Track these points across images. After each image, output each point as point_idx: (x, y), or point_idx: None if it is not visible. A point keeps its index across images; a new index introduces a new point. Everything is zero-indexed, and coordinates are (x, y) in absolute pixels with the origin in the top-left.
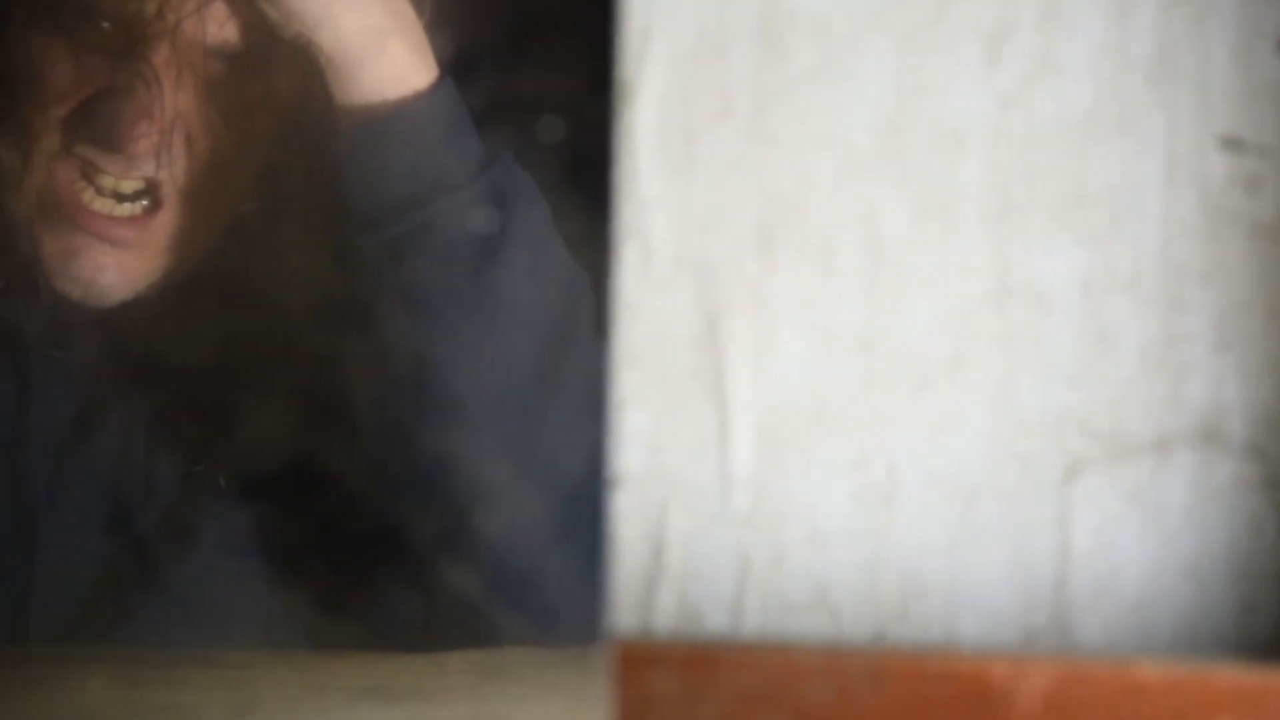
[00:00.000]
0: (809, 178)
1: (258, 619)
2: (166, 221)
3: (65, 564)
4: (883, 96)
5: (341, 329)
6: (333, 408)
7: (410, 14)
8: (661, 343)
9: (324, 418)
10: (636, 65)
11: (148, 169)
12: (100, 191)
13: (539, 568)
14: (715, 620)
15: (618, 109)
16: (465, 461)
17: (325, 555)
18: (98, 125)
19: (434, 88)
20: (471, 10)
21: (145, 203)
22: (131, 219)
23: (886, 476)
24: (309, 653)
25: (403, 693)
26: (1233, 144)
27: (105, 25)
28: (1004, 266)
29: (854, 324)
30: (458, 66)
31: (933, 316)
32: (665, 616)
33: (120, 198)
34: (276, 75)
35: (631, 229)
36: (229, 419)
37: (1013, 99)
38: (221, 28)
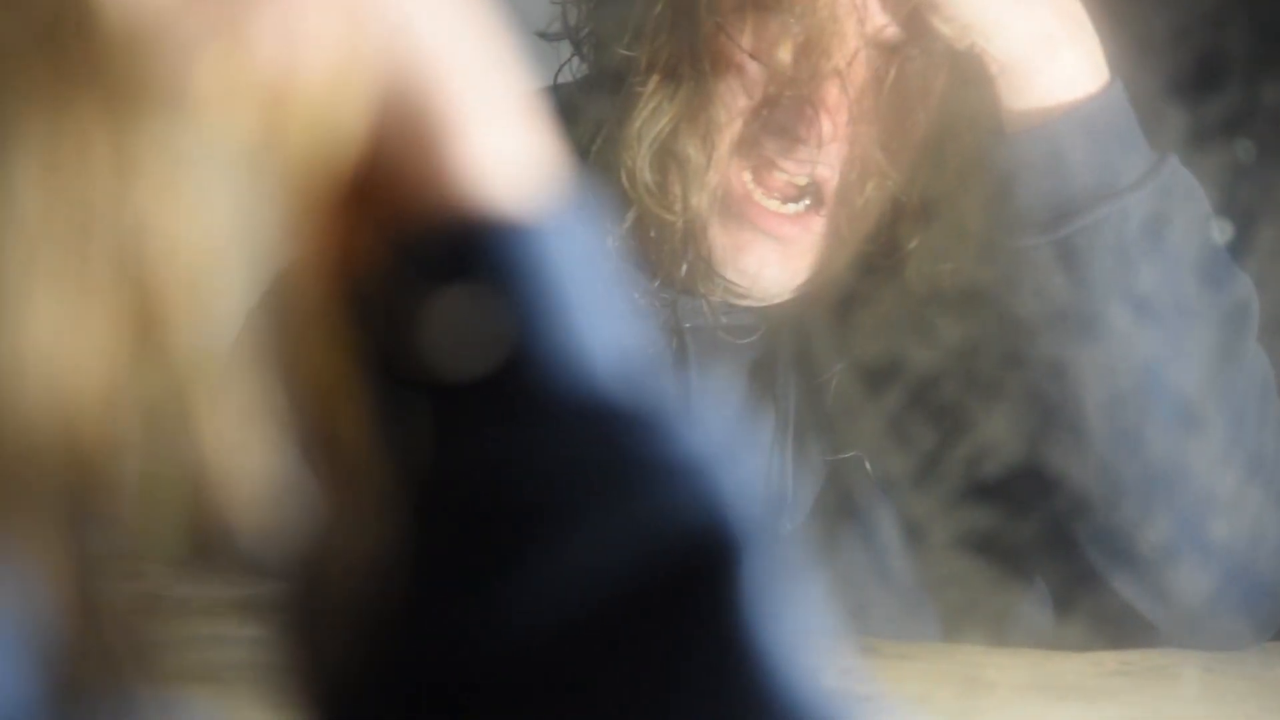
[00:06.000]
0: None
1: (986, 617)
2: (822, 220)
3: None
4: None
5: (1068, 335)
6: (1062, 412)
7: (1081, 16)
8: None
9: (1053, 422)
10: None
11: (819, 167)
12: (770, 189)
13: (1263, 572)
14: None
15: None
16: (1193, 467)
17: (1053, 557)
18: (780, 121)
19: (1104, 91)
20: (1211, 20)
21: (808, 201)
22: (795, 216)
23: None
24: (1039, 648)
25: (1126, 691)
26: None
27: (789, 20)
28: None
29: None
30: (1199, 76)
31: None
32: None
33: (787, 196)
34: (938, 80)
35: None
36: (957, 421)
37: None
38: (892, 31)
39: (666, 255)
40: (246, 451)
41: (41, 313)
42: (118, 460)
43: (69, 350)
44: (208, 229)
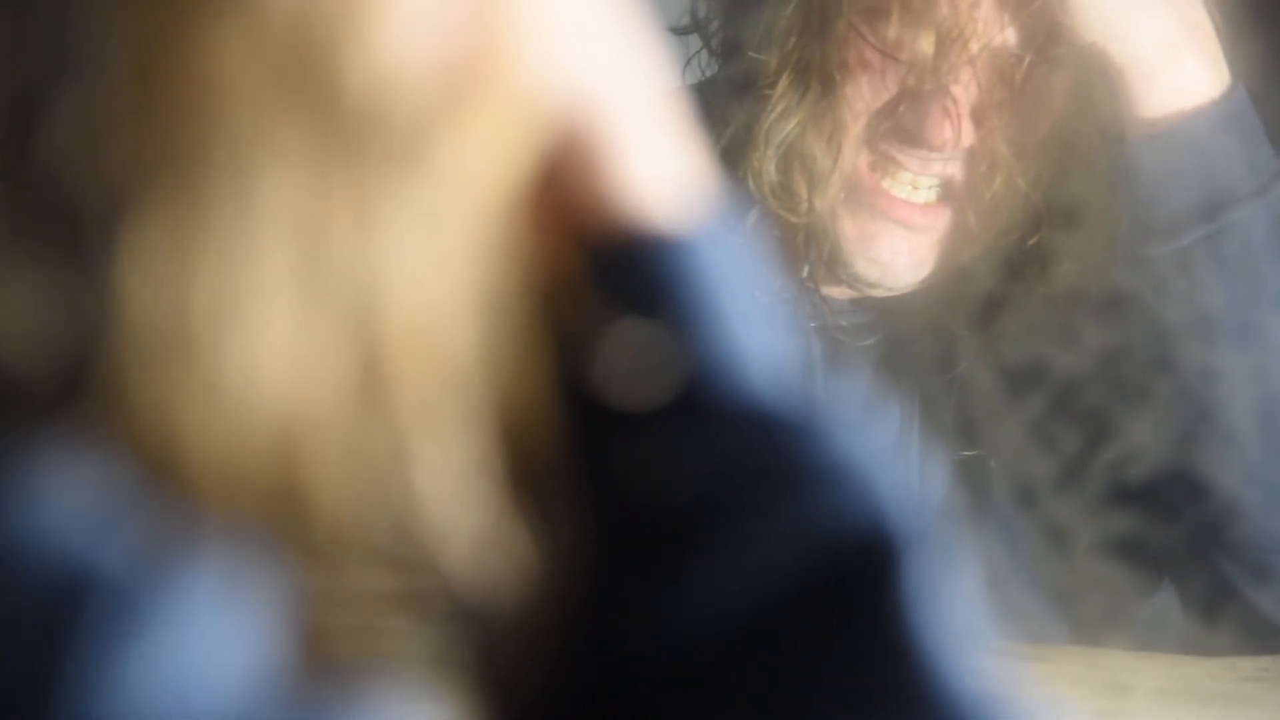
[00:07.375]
0: None
1: (1120, 620)
2: (950, 214)
3: None
4: None
5: (1216, 340)
6: (1210, 418)
7: (1205, 20)
8: None
9: (1202, 427)
10: None
11: (944, 167)
12: (898, 178)
13: None
14: None
15: None
16: None
17: (1187, 562)
18: (904, 123)
19: (1226, 96)
20: None
21: (937, 189)
22: (925, 206)
23: None
24: (1175, 653)
25: (1264, 697)
26: None
27: (926, 16)
28: None
29: None
30: None
31: None
32: None
33: (916, 183)
34: (1061, 82)
35: None
36: (1087, 424)
37: None
38: (1014, 32)
39: (789, 255)
40: (460, 497)
41: (274, 352)
42: (333, 486)
43: (297, 386)
44: (438, 281)
